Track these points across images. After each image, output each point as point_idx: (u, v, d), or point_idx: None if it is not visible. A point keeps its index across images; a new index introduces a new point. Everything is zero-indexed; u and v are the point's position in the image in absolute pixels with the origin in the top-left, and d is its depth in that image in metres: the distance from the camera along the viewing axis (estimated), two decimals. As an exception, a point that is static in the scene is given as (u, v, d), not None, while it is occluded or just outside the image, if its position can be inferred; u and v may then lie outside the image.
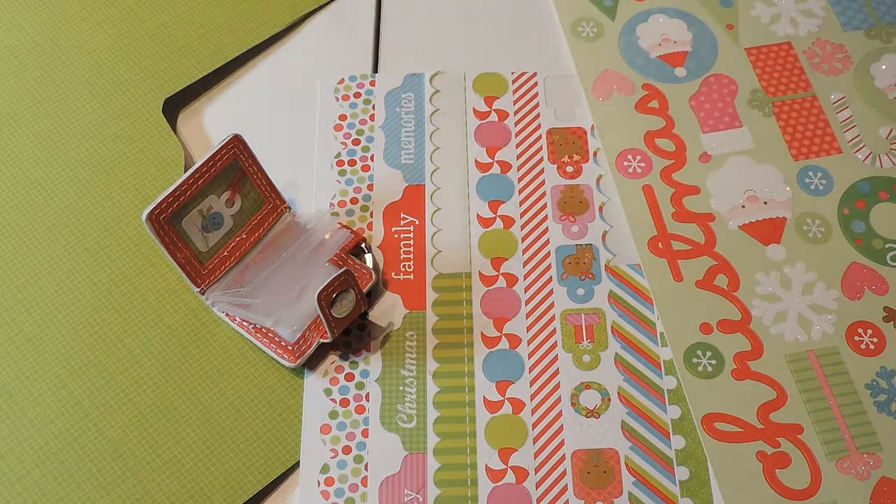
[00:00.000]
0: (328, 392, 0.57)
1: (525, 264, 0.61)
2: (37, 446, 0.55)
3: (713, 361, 0.58)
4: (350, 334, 0.59)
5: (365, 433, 0.56)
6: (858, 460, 0.55)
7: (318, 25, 0.71)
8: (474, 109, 0.67)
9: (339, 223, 0.62)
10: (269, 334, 0.58)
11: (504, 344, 0.59)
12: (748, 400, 0.57)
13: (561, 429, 0.56)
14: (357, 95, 0.67)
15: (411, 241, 0.62)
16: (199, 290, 0.59)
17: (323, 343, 0.58)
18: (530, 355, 0.58)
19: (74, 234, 0.62)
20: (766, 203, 0.63)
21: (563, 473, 0.55)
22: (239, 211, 0.59)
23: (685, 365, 0.58)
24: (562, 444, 0.56)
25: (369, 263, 0.61)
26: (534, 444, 0.56)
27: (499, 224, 0.62)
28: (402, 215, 0.63)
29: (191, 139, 0.66)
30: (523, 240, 0.62)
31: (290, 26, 0.71)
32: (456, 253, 0.62)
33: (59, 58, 0.68)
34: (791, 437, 0.56)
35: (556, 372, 0.58)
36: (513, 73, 0.68)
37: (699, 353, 0.58)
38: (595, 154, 0.65)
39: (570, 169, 0.64)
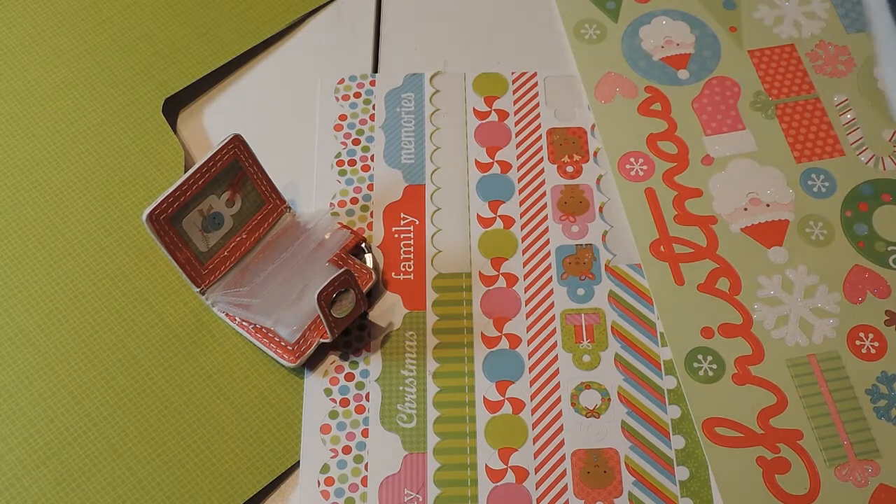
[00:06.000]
0: (328, 392, 0.57)
1: (525, 264, 0.61)
2: (37, 446, 0.55)
3: (714, 366, 0.58)
4: (350, 334, 0.59)
5: (365, 433, 0.56)
6: (857, 467, 0.55)
7: (318, 25, 0.71)
8: (474, 109, 0.67)
9: (339, 223, 0.62)
10: (269, 334, 0.58)
11: (504, 344, 0.59)
12: (749, 405, 0.56)
13: (561, 429, 0.56)
14: (357, 95, 0.67)
15: (411, 241, 0.62)
16: (199, 290, 0.58)
17: (323, 343, 0.57)
18: (530, 355, 0.58)
19: (74, 234, 0.62)
20: (768, 206, 0.63)
21: (563, 473, 0.55)
22: (239, 211, 0.59)
23: (686, 369, 0.57)
24: (562, 444, 0.56)
25: (369, 263, 0.61)
26: (534, 444, 0.56)
27: (499, 224, 0.62)
28: (402, 215, 0.63)
29: (191, 139, 0.66)
30: (523, 240, 0.62)
31: (290, 26, 0.71)
32: (456, 253, 0.61)
33: (59, 58, 0.68)
34: (791, 442, 0.55)
35: (556, 372, 0.58)
36: (513, 73, 0.68)
37: (700, 357, 0.58)
38: (595, 154, 0.65)
39: (570, 169, 0.64)
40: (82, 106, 0.66)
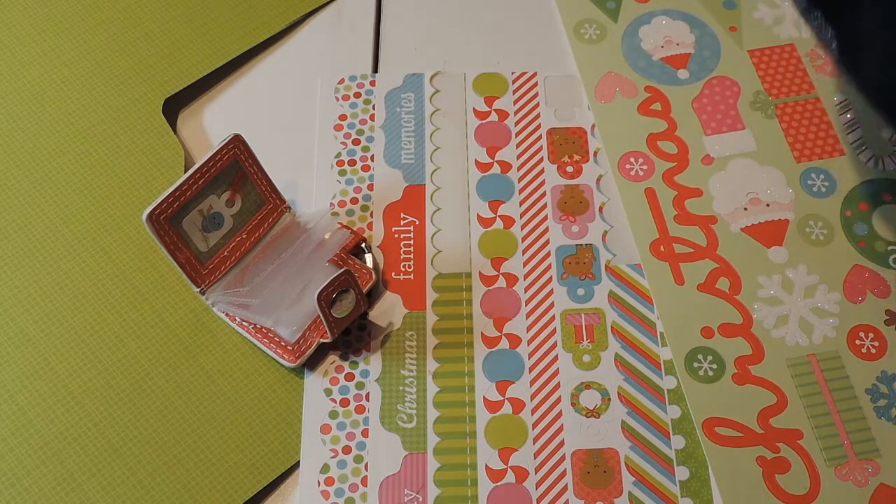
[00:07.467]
0: (328, 392, 0.57)
1: (525, 264, 0.61)
2: (37, 446, 0.55)
3: (714, 366, 0.57)
4: (350, 334, 0.59)
5: (365, 433, 0.56)
6: (857, 467, 0.55)
7: (318, 25, 0.71)
8: (474, 109, 0.67)
9: (339, 223, 0.61)
10: (269, 334, 0.58)
11: (504, 344, 0.59)
12: (749, 405, 0.56)
13: (561, 429, 0.56)
14: (357, 95, 0.67)
15: (411, 241, 0.62)
16: (199, 290, 0.58)
17: (323, 343, 0.57)
18: (530, 355, 0.58)
19: (74, 234, 0.62)
20: (768, 205, 0.63)
21: (563, 473, 0.55)
22: (239, 211, 0.59)
23: (686, 369, 0.57)
24: (562, 444, 0.56)
25: (369, 263, 0.61)
26: (534, 444, 0.56)
27: (499, 224, 0.62)
28: (402, 215, 0.63)
29: (191, 139, 0.66)
30: (523, 240, 0.62)
31: (290, 26, 0.71)
32: (456, 253, 0.61)
33: (59, 58, 0.68)
34: (791, 442, 0.55)
35: (556, 372, 0.58)
36: (513, 73, 0.68)
37: (700, 357, 0.58)
38: (595, 154, 0.65)
39: (570, 169, 0.64)
40: (82, 106, 0.66)
